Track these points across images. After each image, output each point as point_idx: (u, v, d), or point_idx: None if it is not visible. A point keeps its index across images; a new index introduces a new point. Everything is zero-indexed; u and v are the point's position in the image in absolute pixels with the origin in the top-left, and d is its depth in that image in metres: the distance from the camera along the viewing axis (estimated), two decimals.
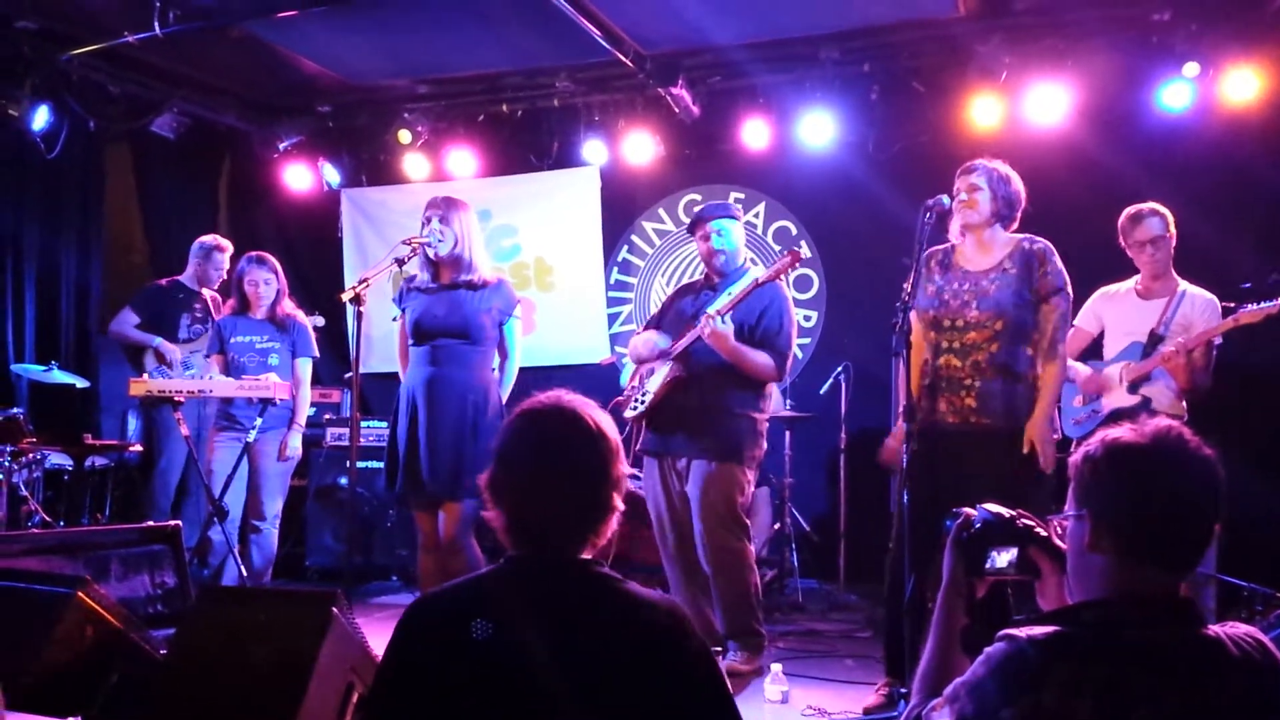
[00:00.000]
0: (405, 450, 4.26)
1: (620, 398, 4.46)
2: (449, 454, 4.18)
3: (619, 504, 1.85)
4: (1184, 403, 4.39)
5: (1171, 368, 4.28)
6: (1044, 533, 1.77)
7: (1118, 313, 4.60)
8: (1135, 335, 4.50)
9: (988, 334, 3.67)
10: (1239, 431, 4.93)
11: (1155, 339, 4.42)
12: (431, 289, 4.35)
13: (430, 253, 4.28)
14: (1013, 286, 3.68)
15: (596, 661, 1.68)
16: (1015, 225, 3.84)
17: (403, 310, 4.43)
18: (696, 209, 4.54)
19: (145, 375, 5.81)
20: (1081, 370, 4.63)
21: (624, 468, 1.88)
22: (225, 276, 6.10)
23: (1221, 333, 4.26)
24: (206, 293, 6.15)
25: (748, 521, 4.32)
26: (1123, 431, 1.58)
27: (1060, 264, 3.72)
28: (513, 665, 1.68)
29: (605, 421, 1.86)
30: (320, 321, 5.95)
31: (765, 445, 4.40)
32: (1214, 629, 1.52)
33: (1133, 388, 4.45)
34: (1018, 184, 3.80)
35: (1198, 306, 4.40)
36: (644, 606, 1.74)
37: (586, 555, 1.82)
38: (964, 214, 3.75)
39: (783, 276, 4.24)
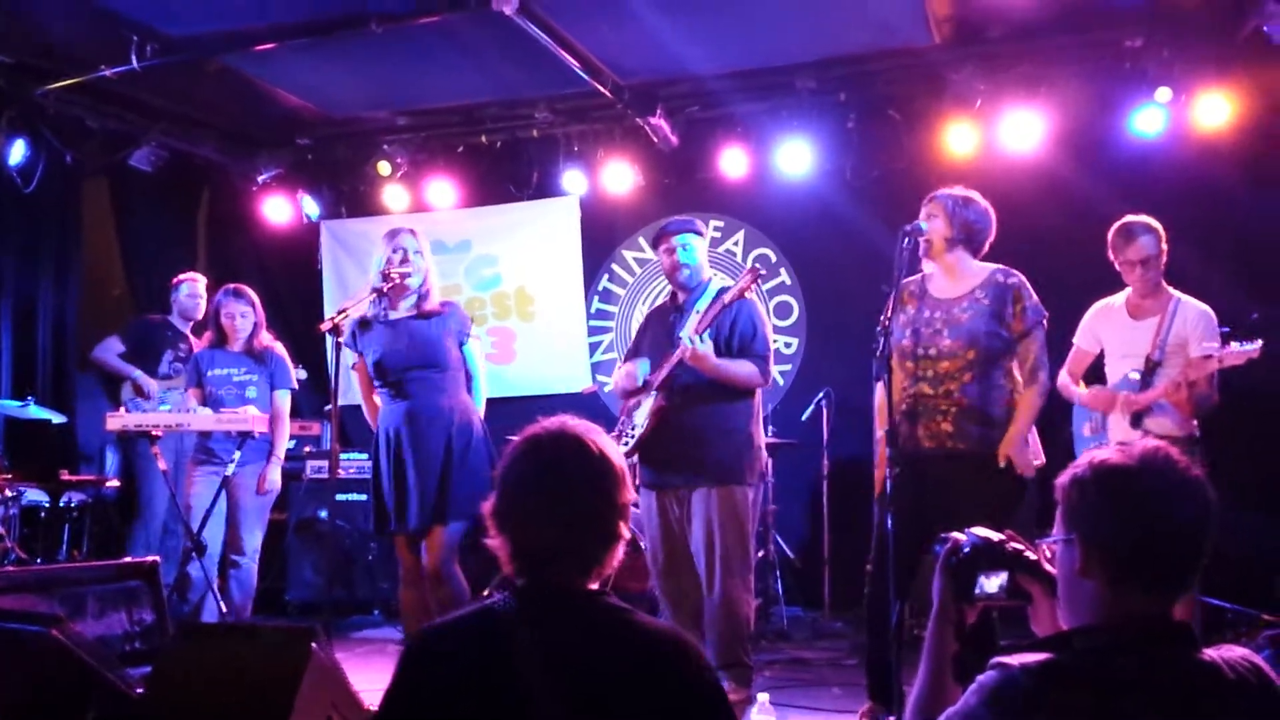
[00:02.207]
0: (392, 485, 4.23)
1: (612, 434, 4.42)
2: (436, 481, 4.15)
3: (624, 532, 1.83)
4: (1194, 421, 4.29)
5: (1175, 401, 4.22)
6: (1033, 556, 1.75)
7: (1112, 333, 4.53)
8: (1131, 359, 4.41)
9: (960, 363, 3.66)
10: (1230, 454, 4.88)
11: (1151, 365, 4.33)
12: (385, 324, 4.33)
13: (400, 281, 4.27)
14: (984, 316, 3.67)
15: (605, 694, 1.65)
16: (985, 251, 3.84)
17: (359, 353, 4.41)
18: (660, 224, 4.52)
19: (122, 408, 5.75)
20: (1081, 391, 4.56)
21: (629, 495, 1.86)
22: (203, 304, 6.11)
23: (1209, 372, 4.18)
24: (193, 337, 6.13)
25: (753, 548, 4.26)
26: (1110, 453, 1.57)
27: (1035, 297, 3.71)
28: (520, 698, 1.65)
29: (610, 448, 1.84)
30: (303, 375, 5.96)
31: (765, 459, 4.35)
32: (1209, 653, 1.51)
33: (1135, 420, 4.34)
34: (980, 208, 3.79)
35: (1190, 322, 4.33)
36: (653, 638, 1.71)
37: (593, 585, 1.80)
38: (922, 244, 3.77)
39: (750, 290, 4.22)
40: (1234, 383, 4.34)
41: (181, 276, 6.27)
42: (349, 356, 4.47)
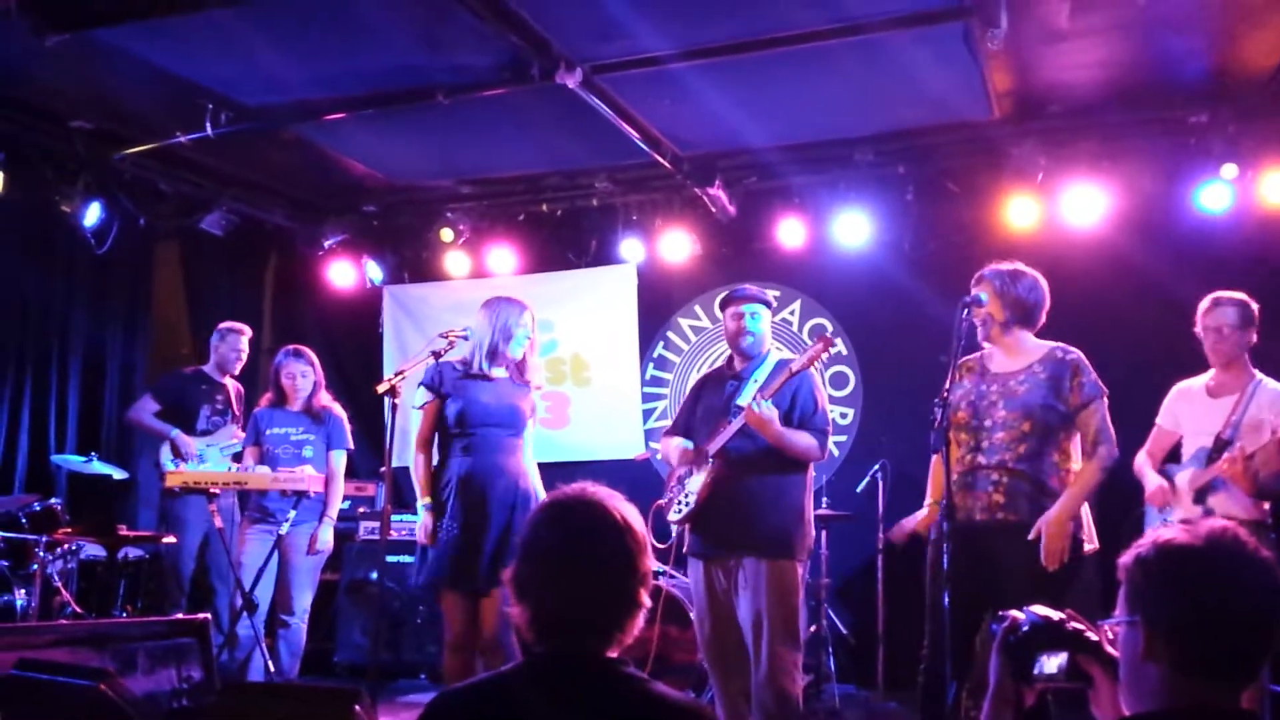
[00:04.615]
0: (458, 538, 4.23)
1: (662, 501, 4.36)
2: (499, 541, 4.19)
3: (645, 599, 1.80)
4: (1265, 506, 4.08)
5: (1230, 475, 4.02)
6: (1095, 638, 1.69)
7: (1190, 412, 4.37)
8: (1204, 436, 4.24)
9: (1015, 434, 3.63)
10: None
11: (1220, 444, 4.15)
12: (476, 378, 4.38)
13: (512, 351, 4.39)
14: (1041, 390, 3.65)
15: None
16: (1042, 322, 3.81)
17: (443, 395, 4.39)
18: (733, 288, 4.51)
19: (160, 469, 5.78)
20: (1150, 482, 4.38)
21: (651, 562, 1.84)
22: (244, 360, 6.14)
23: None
24: (230, 383, 6.14)
25: (801, 625, 4.16)
26: (1175, 532, 1.52)
27: (1093, 374, 3.67)
28: None
29: (631, 514, 1.83)
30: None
31: (814, 533, 4.29)
32: None
33: (1198, 498, 4.16)
34: (1029, 280, 3.77)
35: (1265, 403, 4.14)
36: (669, 709, 1.68)
37: (613, 653, 1.77)
38: (979, 329, 3.76)
39: (817, 361, 4.18)
40: None
41: (230, 325, 6.15)
42: (419, 396, 4.45)
